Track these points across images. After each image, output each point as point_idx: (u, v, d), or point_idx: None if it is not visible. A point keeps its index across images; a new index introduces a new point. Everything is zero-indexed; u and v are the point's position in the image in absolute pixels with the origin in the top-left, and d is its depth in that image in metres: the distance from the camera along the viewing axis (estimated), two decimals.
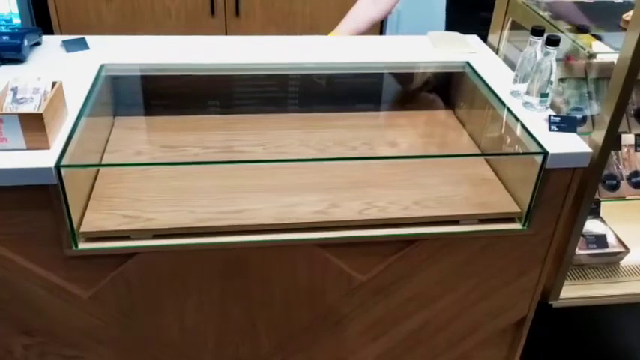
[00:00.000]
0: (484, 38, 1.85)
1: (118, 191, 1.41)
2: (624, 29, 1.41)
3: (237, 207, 1.40)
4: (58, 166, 1.17)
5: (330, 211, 1.41)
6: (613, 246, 1.73)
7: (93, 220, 1.32)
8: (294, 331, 1.52)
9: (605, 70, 1.51)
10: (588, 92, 1.54)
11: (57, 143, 1.23)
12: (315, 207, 1.41)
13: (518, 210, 1.44)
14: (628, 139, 1.65)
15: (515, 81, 1.52)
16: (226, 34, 2.87)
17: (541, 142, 1.36)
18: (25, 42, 1.52)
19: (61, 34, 2.69)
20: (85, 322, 1.40)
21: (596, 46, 1.51)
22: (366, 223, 1.40)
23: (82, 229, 1.29)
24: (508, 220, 1.45)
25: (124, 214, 1.34)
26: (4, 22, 2.58)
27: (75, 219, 1.27)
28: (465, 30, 1.90)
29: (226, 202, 1.41)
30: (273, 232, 1.36)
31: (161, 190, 1.43)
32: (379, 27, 3.09)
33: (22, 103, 1.22)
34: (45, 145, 1.20)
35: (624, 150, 1.65)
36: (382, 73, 1.87)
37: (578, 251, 1.63)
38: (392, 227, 1.40)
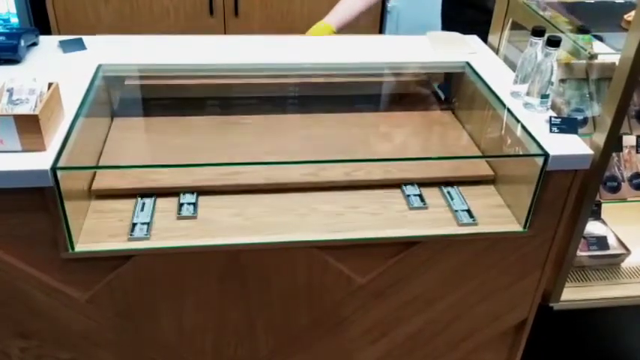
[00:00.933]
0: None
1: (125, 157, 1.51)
2: (625, 30, 1.40)
3: (234, 169, 1.48)
4: (54, 169, 1.16)
5: (319, 173, 1.48)
6: (614, 248, 1.72)
7: (102, 181, 1.41)
8: (293, 333, 1.51)
9: (607, 70, 1.50)
10: (589, 93, 1.53)
11: (53, 145, 1.22)
12: (304, 170, 1.49)
13: (491, 172, 1.54)
14: (629, 140, 1.64)
15: (515, 82, 1.51)
16: (225, 34, 2.86)
17: (542, 143, 1.34)
18: (22, 42, 1.51)
19: (60, 34, 2.68)
20: (82, 325, 1.39)
21: (597, 46, 1.50)
22: (352, 184, 1.49)
23: (93, 187, 1.39)
24: (483, 182, 1.54)
25: (131, 174, 1.44)
26: (1, 22, 2.57)
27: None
28: (457, 27, 1.89)
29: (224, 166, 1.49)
30: (266, 192, 1.46)
31: (164, 155, 1.54)
32: (378, 26, 3.08)
33: (17, 104, 1.20)
34: (41, 147, 1.19)
35: (625, 151, 1.64)
36: (382, 74, 1.86)
37: (579, 253, 1.62)
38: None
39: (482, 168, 1.57)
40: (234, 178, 1.46)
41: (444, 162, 1.59)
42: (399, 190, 1.50)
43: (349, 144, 1.64)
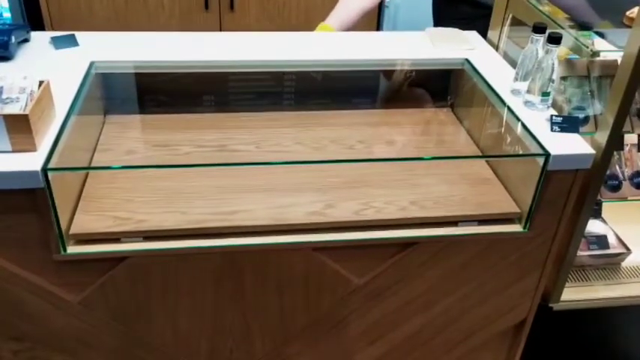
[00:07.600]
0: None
1: (108, 192, 1.38)
2: (627, 26, 1.38)
3: (231, 208, 1.37)
4: (44, 169, 1.14)
5: (325, 211, 1.38)
6: (614, 247, 1.71)
7: (82, 222, 1.29)
8: (290, 335, 1.49)
9: (608, 68, 1.48)
10: (590, 91, 1.51)
11: (44, 145, 1.19)
12: (310, 208, 1.38)
13: (518, 210, 1.41)
14: (630, 138, 1.62)
15: (515, 79, 1.49)
16: (220, 29, 2.83)
17: (543, 143, 1.32)
18: (13, 39, 1.48)
19: (53, 28, 2.64)
20: (75, 327, 1.37)
21: (599, 43, 1.47)
22: (363, 224, 1.37)
23: (71, 232, 1.26)
24: (507, 221, 1.42)
25: (115, 216, 1.31)
26: None
27: (64, 221, 1.24)
28: (451, 24, 1.86)
29: (219, 203, 1.38)
30: (268, 233, 1.33)
31: (153, 191, 1.39)
32: (375, 22, 3.05)
33: (7, 103, 1.17)
34: (31, 148, 1.16)
35: (626, 149, 1.62)
36: (379, 70, 1.83)
37: (579, 252, 1.60)
38: (389, 229, 1.37)
39: (508, 205, 1.43)
40: (230, 218, 1.34)
41: (467, 198, 1.44)
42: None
43: (345, 143, 1.61)
